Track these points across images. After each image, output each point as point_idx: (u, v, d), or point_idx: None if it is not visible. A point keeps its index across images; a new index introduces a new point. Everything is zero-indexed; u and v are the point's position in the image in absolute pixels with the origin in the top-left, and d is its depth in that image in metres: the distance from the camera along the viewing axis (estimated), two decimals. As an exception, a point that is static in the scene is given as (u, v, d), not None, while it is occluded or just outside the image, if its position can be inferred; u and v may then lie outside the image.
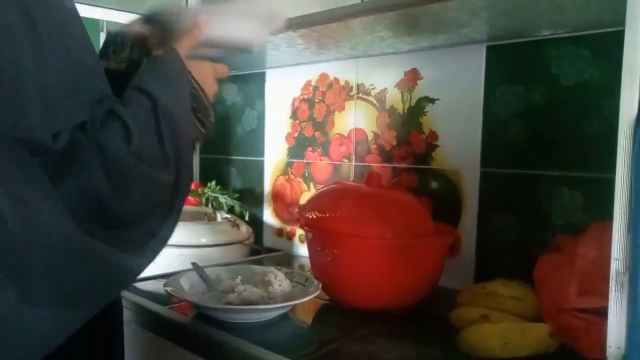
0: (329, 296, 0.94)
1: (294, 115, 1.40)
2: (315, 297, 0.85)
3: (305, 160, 1.38)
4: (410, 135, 1.15)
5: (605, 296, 0.53)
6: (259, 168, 1.50)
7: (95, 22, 1.43)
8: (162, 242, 0.57)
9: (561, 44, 0.94)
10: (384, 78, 1.20)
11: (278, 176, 1.45)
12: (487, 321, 0.76)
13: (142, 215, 0.53)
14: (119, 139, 0.50)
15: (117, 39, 0.72)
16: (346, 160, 1.29)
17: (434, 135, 1.11)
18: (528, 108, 0.98)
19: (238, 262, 1.19)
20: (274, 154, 1.46)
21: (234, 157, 1.58)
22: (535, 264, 0.81)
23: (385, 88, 1.20)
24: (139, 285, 1.00)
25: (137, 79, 0.57)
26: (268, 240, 1.49)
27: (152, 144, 0.53)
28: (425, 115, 1.13)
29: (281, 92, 1.43)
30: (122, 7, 1.14)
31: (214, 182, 1.46)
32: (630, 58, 0.51)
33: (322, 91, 1.33)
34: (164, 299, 0.91)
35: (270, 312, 0.83)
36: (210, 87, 0.67)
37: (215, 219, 1.37)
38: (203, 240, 1.19)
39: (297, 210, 1.02)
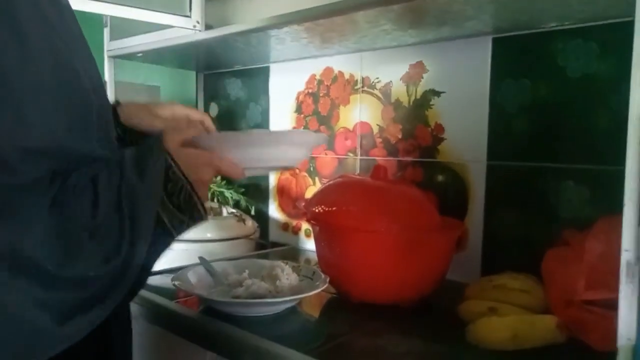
0: (336, 290, 0.94)
1: (299, 109, 1.40)
2: (322, 290, 0.85)
3: (310, 155, 1.38)
4: (415, 128, 1.15)
5: (613, 289, 0.53)
6: (264, 163, 1.50)
7: (98, 17, 1.44)
8: (89, 324, 0.52)
9: (567, 36, 0.93)
10: (389, 71, 1.19)
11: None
12: (495, 314, 0.76)
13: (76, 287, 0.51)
14: (86, 210, 0.50)
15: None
16: (351, 154, 1.28)
17: (440, 128, 1.11)
18: (534, 101, 0.98)
19: (245, 257, 1.19)
20: (279, 148, 1.46)
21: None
22: (543, 258, 0.81)
23: (391, 81, 1.19)
24: (146, 280, 1.00)
25: (119, 155, 0.57)
26: (274, 234, 1.49)
27: (113, 224, 0.52)
28: (431, 108, 1.12)
29: (285, 87, 1.43)
30: (126, 3, 1.14)
31: (219, 177, 1.46)
32: (640, 49, 0.51)
33: (327, 85, 1.33)
34: (171, 293, 0.91)
35: (278, 305, 0.83)
36: (200, 175, 0.61)
37: (221, 213, 1.37)
38: (209, 235, 1.20)
39: (303, 204, 1.02)
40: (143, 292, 0.92)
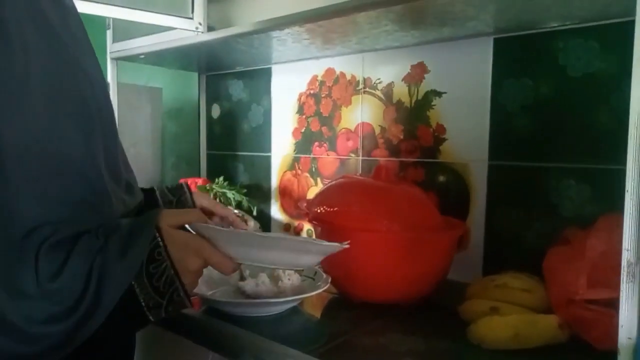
0: (337, 290, 0.95)
1: (301, 110, 1.40)
2: (324, 290, 0.86)
3: (312, 155, 1.38)
4: (417, 129, 1.15)
5: (615, 288, 0.53)
6: (266, 163, 1.51)
7: (101, 19, 1.44)
8: None
9: (568, 36, 0.94)
10: (391, 72, 1.20)
11: (285, 171, 1.46)
12: (497, 313, 0.76)
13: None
14: (46, 273, 0.49)
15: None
16: (353, 155, 1.29)
17: (441, 128, 1.11)
18: (536, 100, 0.98)
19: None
20: (281, 149, 1.47)
21: (240, 153, 1.59)
22: (544, 257, 0.81)
23: (392, 82, 1.20)
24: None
25: (114, 224, 0.56)
26: (276, 235, 1.49)
27: (74, 294, 0.51)
28: (433, 108, 1.13)
29: (287, 88, 1.43)
30: (129, 5, 1.14)
31: (221, 178, 1.47)
32: (641, 48, 0.51)
33: (329, 86, 1.33)
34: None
35: (280, 305, 0.84)
36: (186, 263, 0.58)
37: (223, 214, 1.37)
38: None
39: (305, 204, 1.02)
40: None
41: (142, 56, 1.40)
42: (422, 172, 1.15)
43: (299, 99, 1.41)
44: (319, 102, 1.36)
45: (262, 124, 1.52)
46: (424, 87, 1.14)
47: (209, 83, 1.68)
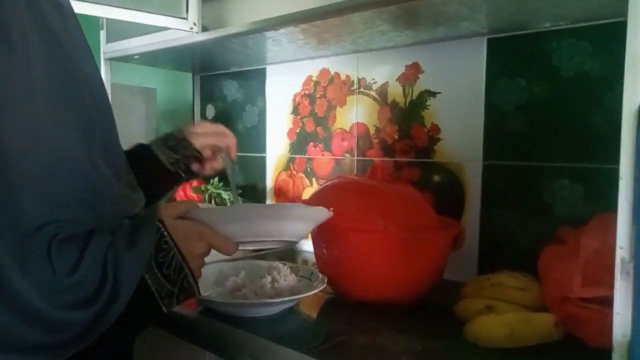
0: (334, 290, 0.95)
1: (296, 110, 1.41)
2: (320, 291, 0.86)
3: (307, 156, 1.38)
4: (412, 129, 1.16)
5: (609, 286, 0.54)
6: (261, 164, 1.51)
7: (94, 19, 1.44)
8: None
9: (561, 36, 0.94)
10: (385, 72, 1.20)
11: (280, 172, 1.46)
12: (492, 312, 0.77)
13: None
14: (63, 268, 0.51)
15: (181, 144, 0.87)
16: (348, 155, 1.29)
17: (436, 128, 1.12)
18: (529, 100, 0.98)
19: (242, 258, 1.19)
20: (276, 149, 1.47)
21: (236, 154, 1.58)
22: (539, 256, 0.82)
23: (387, 82, 1.20)
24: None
25: (118, 223, 0.58)
26: (271, 235, 1.49)
27: (93, 285, 0.52)
28: (427, 108, 1.13)
29: (282, 88, 1.44)
30: (122, 5, 1.14)
31: (216, 179, 1.46)
32: (633, 48, 0.51)
33: (324, 86, 1.33)
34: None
35: (276, 306, 0.84)
36: (191, 248, 0.61)
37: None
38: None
39: (300, 205, 1.02)
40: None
41: (136, 56, 1.40)
42: (417, 172, 1.15)
43: (294, 100, 1.41)
44: (314, 102, 1.36)
45: (256, 125, 1.52)
46: (419, 87, 1.14)
47: (204, 83, 1.68)
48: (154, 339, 0.90)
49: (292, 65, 1.40)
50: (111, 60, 1.46)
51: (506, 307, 0.78)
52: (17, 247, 0.49)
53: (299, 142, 1.40)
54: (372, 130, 1.23)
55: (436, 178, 1.12)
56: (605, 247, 0.67)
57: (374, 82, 1.22)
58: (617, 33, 0.83)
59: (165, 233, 0.59)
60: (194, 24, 1.24)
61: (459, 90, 1.08)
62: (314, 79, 1.35)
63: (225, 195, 1.41)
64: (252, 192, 1.52)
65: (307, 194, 1.38)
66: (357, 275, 0.90)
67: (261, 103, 1.50)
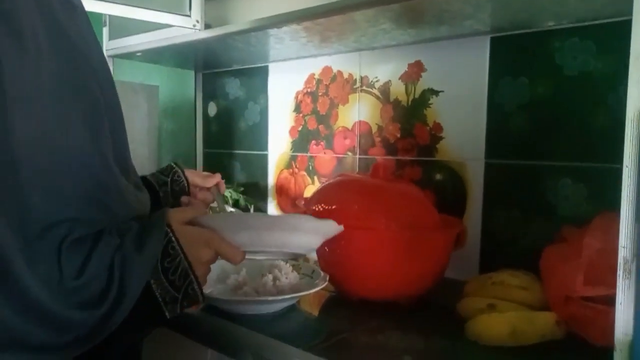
0: (335, 288, 0.95)
1: (298, 108, 1.41)
2: (322, 289, 0.86)
3: (309, 154, 1.38)
4: (414, 127, 1.16)
5: (611, 285, 0.54)
6: (263, 162, 1.51)
7: (97, 16, 1.44)
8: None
9: (565, 35, 0.94)
10: (388, 70, 1.20)
11: (282, 170, 1.46)
12: (494, 310, 0.77)
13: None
14: (71, 269, 0.51)
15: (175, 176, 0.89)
16: (350, 153, 1.29)
17: (438, 127, 1.12)
18: (532, 99, 0.98)
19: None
20: (278, 147, 1.47)
21: (237, 152, 1.59)
22: (541, 255, 0.82)
23: (389, 80, 1.20)
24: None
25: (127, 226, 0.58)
26: (273, 233, 1.49)
27: (100, 287, 0.53)
28: (430, 107, 1.13)
29: (284, 86, 1.43)
30: (125, 2, 1.14)
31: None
32: (638, 47, 0.51)
33: (326, 84, 1.33)
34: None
35: (278, 303, 0.84)
36: (198, 254, 0.61)
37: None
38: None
39: (303, 203, 1.02)
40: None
41: (139, 54, 1.40)
42: (419, 170, 1.15)
43: (296, 97, 1.41)
44: (316, 100, 1.36)
45: (259, 122, 1.52)
46: (421, 86, 1.14)
47: (206, 81, 1.68)
48: (155, 336, 0.91)
49: (294, 63, 1.39)
50: (114, 57, 1.46)
51: (508, 305, 0.78)
52: (27, 246, 0.49)
53: (301, 140, 1.40)
54: (374, 129, 1.23)
55: (438, 176, 1.12)
56: (607, 246, 0.67)
57: (377, 80, 1.22)
58: (621, 32, 0.83)
59: (173, 239, 0.59)
60: (197, 22, 1.24)
61: (461, 88, 1.08)
62: (316, 77, 1.35)
63: (227, 193, 1.41)
64: (254, 190, 1.52)
65: (308, 192, 1.38)
66: (358, 274, 0.90)
67: (263, 101, 1.50)
